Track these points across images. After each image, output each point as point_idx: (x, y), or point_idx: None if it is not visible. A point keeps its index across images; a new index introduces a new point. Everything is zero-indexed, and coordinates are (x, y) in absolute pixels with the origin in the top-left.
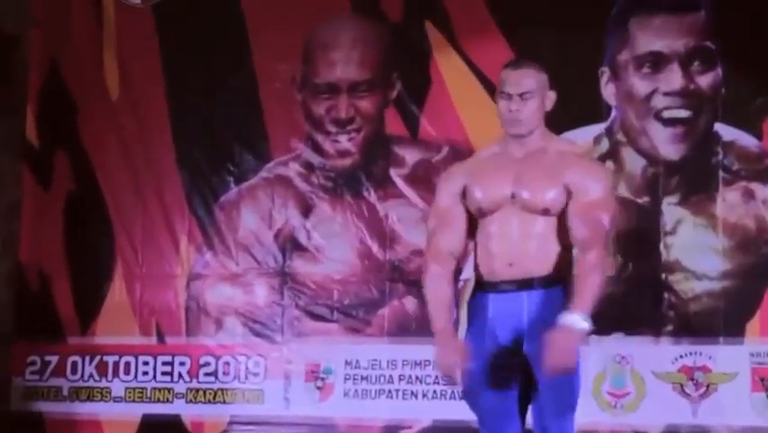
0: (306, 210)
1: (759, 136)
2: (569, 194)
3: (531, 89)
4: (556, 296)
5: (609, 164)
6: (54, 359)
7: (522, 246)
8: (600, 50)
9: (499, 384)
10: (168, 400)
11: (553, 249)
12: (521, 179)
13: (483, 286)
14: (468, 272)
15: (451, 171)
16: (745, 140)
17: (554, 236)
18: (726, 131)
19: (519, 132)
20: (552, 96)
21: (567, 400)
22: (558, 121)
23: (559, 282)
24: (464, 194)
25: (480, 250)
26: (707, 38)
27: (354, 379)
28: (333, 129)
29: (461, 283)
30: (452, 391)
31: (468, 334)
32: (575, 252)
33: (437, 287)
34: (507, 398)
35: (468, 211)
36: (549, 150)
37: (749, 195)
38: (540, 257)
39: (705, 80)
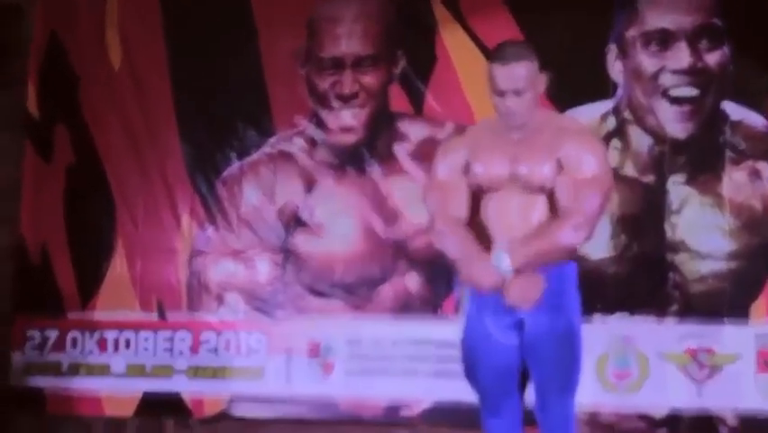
0: (309, 186)
1: (766, 115)
2: (560, 168)
3: (523, 83)
4: (555, 276)
5: (616, 142)
6: (54, 334)
7: (522, 227)
8: (608, 28)
9: (498, 365)
10: (169, 375)
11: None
12: (518, 159)
13: None
14: None
15: (451, 145)
16: (753, 119)
17: (554, 214)
18: (733, 109)
19: (518, 124)
20: (543, 79)
21: (569, 377)
22: (565, 98)
23: (554, 264)
24: (466, 169)
25: (476, 227)
26: (714, 15)
27: (356, 357)
28: (336, 104)
29: None
30: (454, 371)
31: (468, 314)
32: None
33: (457, 235)
34: (506, 376)
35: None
36: (547, 128)
37: (756, 174)
38: None
39: (712, 58)
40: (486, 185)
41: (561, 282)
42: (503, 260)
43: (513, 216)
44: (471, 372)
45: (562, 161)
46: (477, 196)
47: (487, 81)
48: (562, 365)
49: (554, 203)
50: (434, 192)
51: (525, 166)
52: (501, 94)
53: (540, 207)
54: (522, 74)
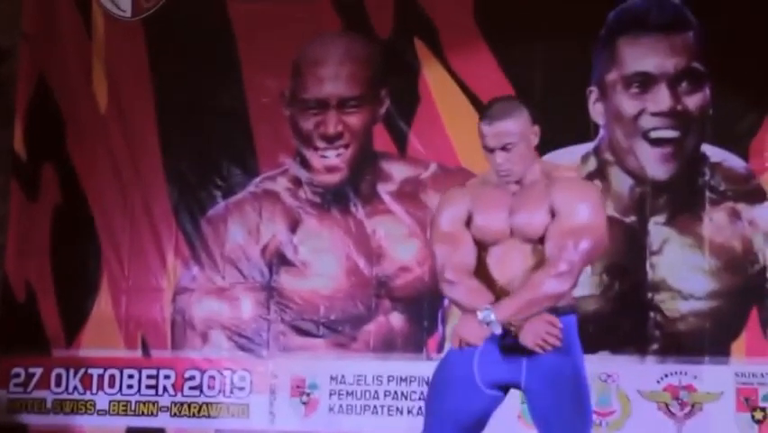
0: (294, 225)
1: (746, 157)
2: (552, 216)
3: (510, 139)
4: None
5: (597, 183)
6: (38, 371)
7: (523, 278)
8: (588, 70)
9: (472, 410)
10: (152, 413)
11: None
12: (515, 211)
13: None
14: None
15: (452, 195)
16: (732, 161)
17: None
18: (713, 151)
19: (514, 179)
20: (536, 131)
21: (582, 421)
22: (546, 140)
23: (560, 314)
24: (468, 220)
25: (481, 279)
26: (695, 59)
27: (340, 394)
28: (321, 144)
29: (447, 300)
30: None
31: (451, 356)
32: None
33: (465, 285)
34: (474, 424)
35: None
36: (542, 179)
37: (735, 215)
38: None
39: (693, 101)
40: (487, 239)
41: (567, 333)
42: (489, 315)
43: (515, 269)
44: (436, 401)
45: (554, 209)
46: (480, 249)
47: (472, 122)
48: (571, 413)
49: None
50: (440, 243)
51: (521, 218)
52: (491, 151)
53: (540, 256)
54: (508, 130)
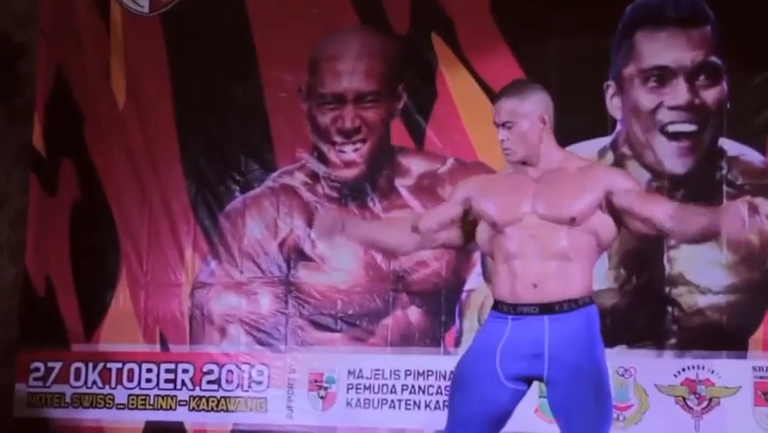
0: (311, 220)
1: (763, 151)
2: (613, 197)
3: (510, 119)
4: (578, 320)
5: None
6: (58, 366)
7: (544, 266)
8: (606, 64)
9: (492, 403)
10: (171, 407)
11: (577, 269)
12: (540, 194)
13: (502, 307)
14: (472, 283)
15: (460, 183)
16: (750, 155)
17: (578, 252)
18: (730, 146)
19: (514, 160)
20: (546, 118)
21: (602, 417)
22: (563, 134)
23: (581, 305)
24: (466, 202)
25: (501, 270)
26: (712, 53)
27: (357, 388)
28: (338, 139)
29: (464, 294)
30: None
31: (473, 350)
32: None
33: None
34: (494, 417)
35: (471, 223)
36: (569, 168)
37: (753, 210)
38: (564, 279)
39: (710, 95)
40: (501, 221)
41: (589, 325)
42: None
43: (536, 253)
44: (459, 396)
45: (613, 189)
46: (495, 231)
47: (488, 116)
48: (593, 405)
49: (586, 240)
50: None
51: (548, 203)
52: (497, 126)
53: (564, 240)
54: (512, 109)
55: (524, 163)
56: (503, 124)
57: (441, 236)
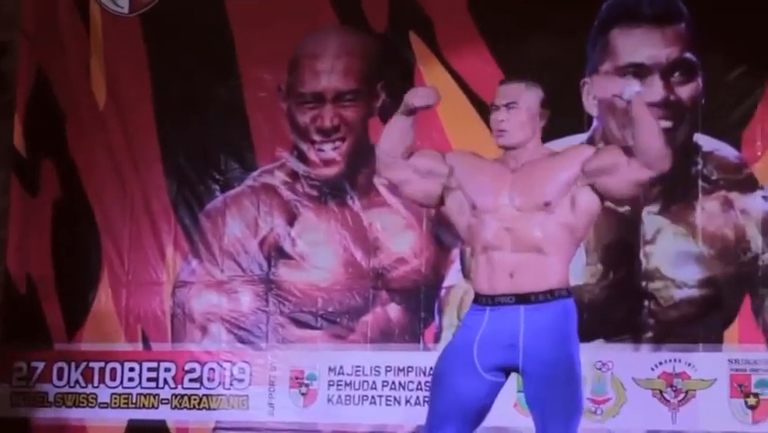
0: (291, 218)
1: (738, 147)
2: (585, 165)
3: (516, 100)
4: (554, 311)
5: None
6: (41, 365)
7: (520, 257)
8: (582, 61)
9: (471, 395)
10: (153, 405)
11: (553, 262)
12: (516, 185)
13: (480, 300)
14: (451, 279)
15: (449, 152)
16: (725, 150)
17: (553, 245)
18: (705, 141)
19: (506, 143)
20: (544, 113)
21: (572, 408)
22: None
23: (557, 297)
24: (452, 171)
25: (480, 261)
26: (687, 49)
27: (338, 385)
28: (317, 138)
29: (443, 291)
30: None
31: (452, 345)
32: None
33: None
34: (472, 409)
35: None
36: (543, 156)
37: (728, 204)
38: (540, 270)
39: (685, 91)
40: (480, 205)
41: (565, 317)
42: (633, 87)
43: (513, 243)
44: (439, 391)
45: (589, 165)
46: (472, 209)
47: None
48: (565, 396)
49: (564, 227)
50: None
51: (523, 193)
52: (496, 108)
53: (540, 228)
54: (518, 93)
55: (512, 149)
56: (507, 105)
57: (413, 177)
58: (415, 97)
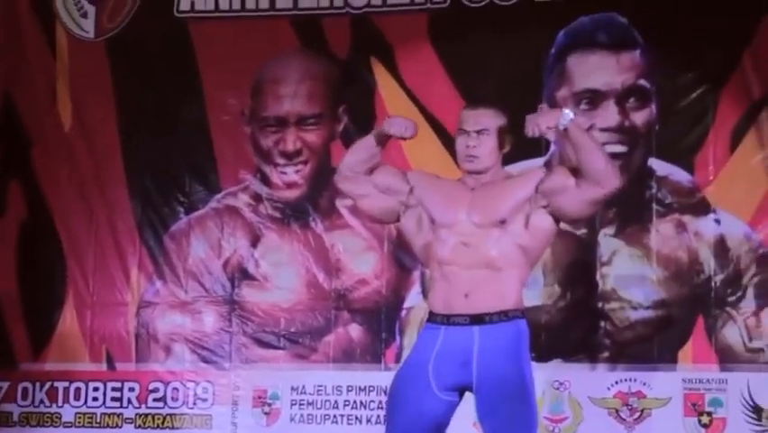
0: (255, 240)
1: (691, 171)
2: (540, 185)
3: (488, 127)
4: (508, 331)
5: None
6: (5, 385)
7: (476, 274)
8: (540, 87)
9: (428, 416)
10: (117, 425)
11: (507, 281)
12: (474, 203)
13: (435, 318)
14: (412, 301)
15: (409, 172)
16: (678, 174)
17: (508, 262)
18: (659, 166)
19: (475, 168)
20: (509, 139)
21: (526, 423)
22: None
23: (511, 318)
24: (412, 190)
25: (435, 278)
26: (641, 76)
27: (300, 404)
28: (280, 161)
29: (404, 312)
30: None
31: (407, 363)
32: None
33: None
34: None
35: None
36: (499, 178)
37: (682, 227)
38: (494, 290)
39: (640, 117)
40: (439, 220)
41: (518, 337)
42: (568, 115)
43: (469, 262)
44: (395, 410)
45: (545, 185)
46: (432, 224)
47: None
48: (518, 415)
49: (520, 247)
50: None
51: (480, 210)
52: (465, 134)
53: (496, 246)
54: (487, 119)
55: (477, 174)
56: (478, 131)
57: (372, 192)
58: (392, 126)
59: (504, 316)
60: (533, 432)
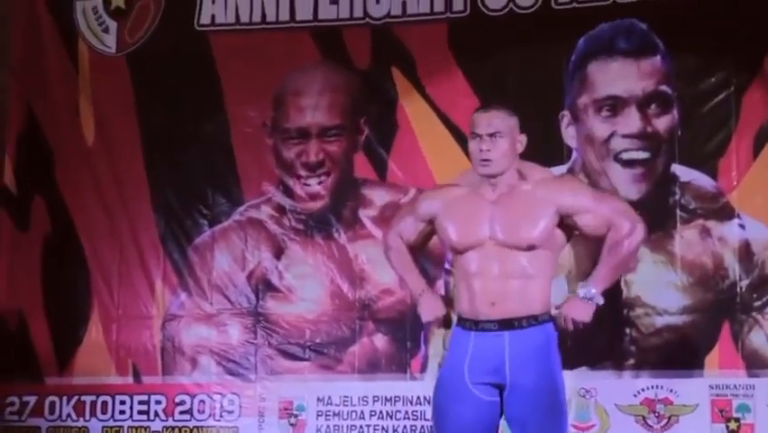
0: (278, 252)
1: (715, 176)
2: (567, 214)
3: (500, 129)
4: (538, 335)
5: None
6: (32, 399)
7: (504, 286)
8: (561, 95)
9: (476, 422)
10: None
11: (536, 286)
12: (497, 219)
13: (464, 323)
14: None
15: (430, 195)
16: (702, 180)
17: (539, 269)
18: (682, 171)
19: (490, 172)
20: (523, 140)
21: (557, 429)
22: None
23: (540, 322)
24: (432, 221)
25: (461, 287)
26: (663, 82)
27: (327, 415)
28: (303, 173)
29: None
30: (423, 427)
31: (445, 372)
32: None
33: (401, 258)
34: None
35: (426, 237)
36: (522, 187)
37: (706, 233)
38: (522, 296)
39: (662, 123)
40: (462, 247)
41: (547, 341)
42: (590, 290)
43: (494, 275)
44: (442, 421)
45: (566, 210)
46: (452, 253)
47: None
48: (549, 422)
49: (547, 259)
50: (405, 208)
51: (504, 231)
52: (478, 138)
53: (523, 263)
54: (500, 121)
55: (492, 177)
56: (491, 134)
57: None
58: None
59: (534, 320)
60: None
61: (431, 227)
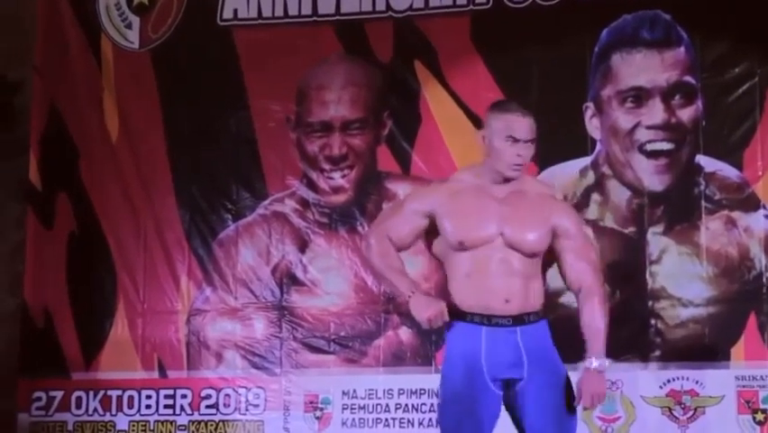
0: (303, 245)
1: (740, 167)
2: (555, 237)
3: (535, 136)
4: (543, 330)
5: (596, 196)
6: (59, 394)
7: (515, 283)
8: (584, 86)
9: (484, 415)
10: (171, 432)
11: (537, 285)
12: (506, 219)
13: (471, 317)
14: None
15: (430, 190)
16: (727, 170)
17: (538, 273)
18: (707, 162)
19: (518, 176)
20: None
21: (568, 425)
22: (545, 154)
23: (541, 317)
24: (429, 216)
25: (466, 283)
26: (687, 72)
27: (352, 408)
28: (326, 166)
29: None
30: None
31: (455, 362)
32: (579, 294)
33: (389, 259)
34: (489, 426)
35: (417, 236)
36: (528, 191)
37: (731, 223)
38: (530, 294)
39: (686, 114)
40: (470, 243)
41: (546, 338)
42: (603, 363)
43: (507, 272)
44: (463, 421)
45: (558, 231)
46: (456, 250)
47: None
48: (562, 410)
49: (542, 265)
50: (391, 209)
51: (514, 230)
52: (515, 142)
53: (527, 264)
54: (534, 126)
55: (511, 179)
56: (528, 141)
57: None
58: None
59: (536, 316)
60: (574, 421)
61: (425, 225)
